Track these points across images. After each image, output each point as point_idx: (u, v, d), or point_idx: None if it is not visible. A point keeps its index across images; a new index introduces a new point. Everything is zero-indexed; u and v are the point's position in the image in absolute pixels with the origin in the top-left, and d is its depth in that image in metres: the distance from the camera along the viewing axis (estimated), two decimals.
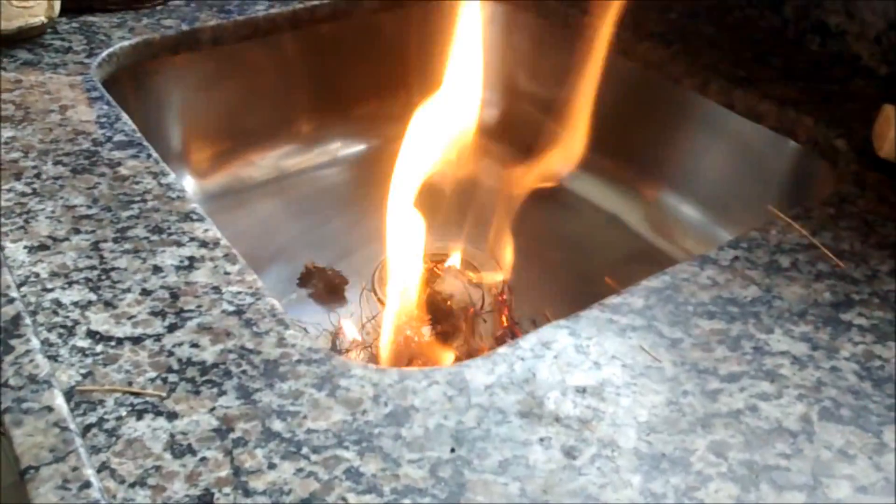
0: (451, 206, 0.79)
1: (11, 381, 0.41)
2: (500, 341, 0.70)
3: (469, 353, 0.66)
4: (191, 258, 0.52)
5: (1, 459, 0.56)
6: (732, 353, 0.46)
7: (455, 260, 0.79)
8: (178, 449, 0.39)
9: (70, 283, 0.49)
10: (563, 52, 0.89)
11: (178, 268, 0.51)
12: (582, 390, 0.43)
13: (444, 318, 0.69)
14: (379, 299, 0.77)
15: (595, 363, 0.45)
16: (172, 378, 0.43)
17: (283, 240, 0.88)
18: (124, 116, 0.67)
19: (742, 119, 0.75)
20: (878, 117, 0.65)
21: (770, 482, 0.39)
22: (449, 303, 0.70)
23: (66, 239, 0.53)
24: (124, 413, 0.41)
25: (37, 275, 0.49)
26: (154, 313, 0.47)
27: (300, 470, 0.38)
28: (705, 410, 0.42)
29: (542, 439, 0.40)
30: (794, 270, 0.53)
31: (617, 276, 0.66)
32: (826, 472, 0.39)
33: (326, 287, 0.79)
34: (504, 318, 0.73)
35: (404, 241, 0.71)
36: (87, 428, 0.40)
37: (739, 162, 0.77)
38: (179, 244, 0.53)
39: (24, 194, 0.57)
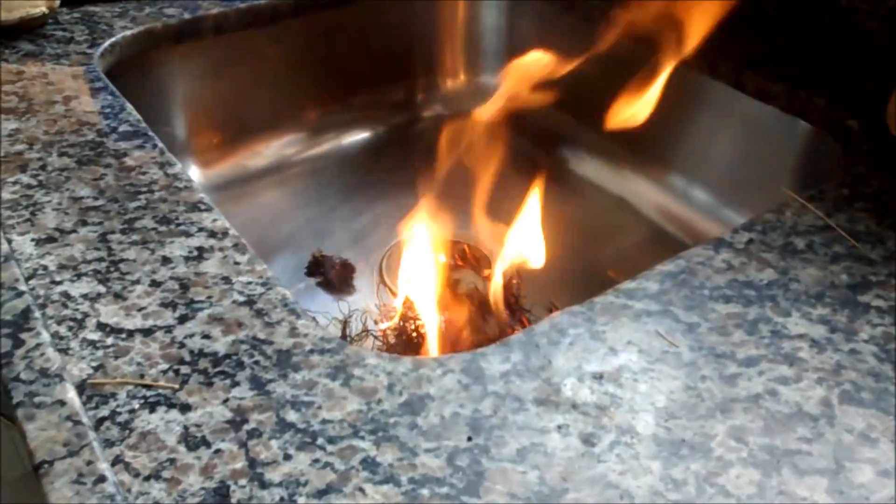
0: (457, 192, 0.78)
1: (23, 376, 0.41)
2: (510, 329, 0.69)
3: (481, 342, 0.66)
4: (200, 248, 0.51)
5: (1, 451, 0.56)
6: (750, 337, 0.45)
7: (463, 248, 0.79)
8: (192, 441, 0.39)
9: (79, 276, 0.48)
10: (570, 36, 0.88)
11: (187, 258, 0.50)
12: (599, 376, 0.43)
13: (454, 305, 0.68)
14: (388, 287, 0.77)
15: (611, 349, 0.45)
16: (185, 370, 0.42)
17: (289, 229, 0.87)
18: (129, 106, 0.66)
19: (752, 100, 0.74)
20: (892, 97, 0.64)
21: (791, 467, 0.38)
22: (459, 290, 0.69)
23: (74, 231, 0.52)
24: (137, 406, 0.40)
25: (45, 267, 0.49)
26: (164, 305, 0.46)
27: (316, 461, 0.38)
28: (724, 395, 0.42)
29: (559, 426, 0.40)
30: (809, 252, 0.52)
31: (627, 262, 0.65)
32: (848, 456, 0.39)
33: (335, 276, 0.78)
34: (513, 307, 0.72)
35: (412, 228, 0.70)
36: (100, 421, 0.39)
37: (750, 144, 0.77)
38: (188, 234, 0.52)
39: (29, 186, 0.56)
